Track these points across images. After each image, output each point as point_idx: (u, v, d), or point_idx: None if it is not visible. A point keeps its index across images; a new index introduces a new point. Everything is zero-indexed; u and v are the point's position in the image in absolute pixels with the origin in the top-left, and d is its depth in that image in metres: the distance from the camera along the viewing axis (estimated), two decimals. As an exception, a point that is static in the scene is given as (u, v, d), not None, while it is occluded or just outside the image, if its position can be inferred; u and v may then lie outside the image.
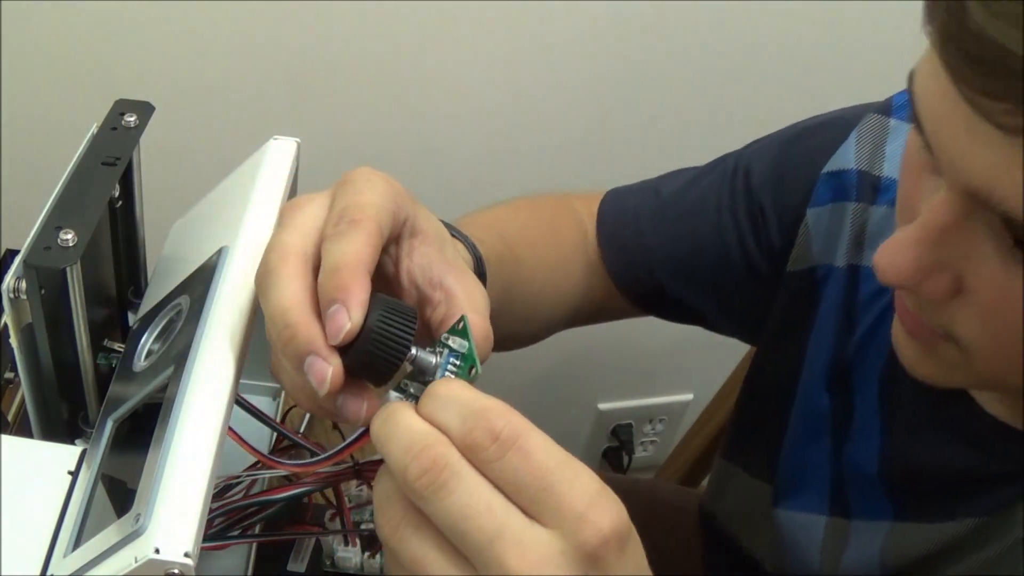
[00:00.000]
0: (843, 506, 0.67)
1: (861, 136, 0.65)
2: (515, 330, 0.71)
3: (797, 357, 0.69)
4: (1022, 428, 0.56)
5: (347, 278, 0.41)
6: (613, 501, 0.38)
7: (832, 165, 0.66)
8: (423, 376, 0.43)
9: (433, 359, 0.43)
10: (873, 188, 0.64)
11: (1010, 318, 0.44)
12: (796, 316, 0.69)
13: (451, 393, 0.40)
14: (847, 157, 0.65)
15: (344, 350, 0.41)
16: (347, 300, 0.41)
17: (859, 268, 0.65)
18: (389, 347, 0.41)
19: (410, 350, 0.42)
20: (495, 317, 0.47)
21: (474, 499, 0.37)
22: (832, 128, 0.67)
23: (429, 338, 0.45)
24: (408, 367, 0.43)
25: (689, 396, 1.57)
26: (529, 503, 0.38)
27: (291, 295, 0.42)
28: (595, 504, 0.37)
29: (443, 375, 0.43)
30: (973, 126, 0.39)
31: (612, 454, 1.62)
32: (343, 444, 0.46)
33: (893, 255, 0.46)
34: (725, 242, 0.71)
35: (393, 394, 0.43)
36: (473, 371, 0.43)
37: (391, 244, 0.47)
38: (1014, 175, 0.39)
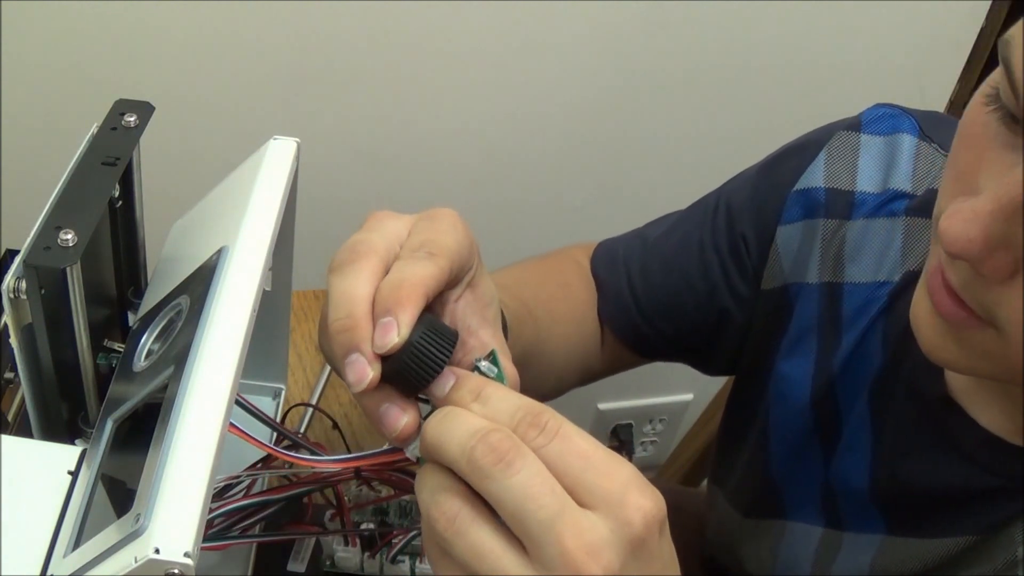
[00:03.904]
0: (835, 519, 0.67)
1: (831, 154, 0.66)
2: (531, 388, 0.73)
3: (773, 375, 0.69)
4: (1018, 441, 0.54)
5: (406, 295, 0.43)
6: (650, 486, 0.40)
7: (801, 184, 0.67)
8: None
9: None
10: (847, 204, 0.64)
11: None
12: (770, 335, 0.69)
13: (497, 393, 0.42)
14: (816, 175, 0.66)
15: (384, 356, 0.43)
16: (399, 315, 0.42)
17: (841, 285, 0.65)
18: (425, 364, 0.43)
19: (443, 370, 0.44)
20: None
21: (539, 479, 0.38)
22: (803, 150, 0.68)
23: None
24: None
25: (689, 396, 1.58)
26: (574, 485, 0.39)
27: (362, 289, 0.43)
28: (634, 486, 0.39)
29: None
30: None
31: (612, 454, 1.62)
32: (377, 450, 0.47)
33: (965, 223, 0.43)
34: (711, 281, 0.72)
35: None
36: None
37: (447, 288, 0.48)
38: None
